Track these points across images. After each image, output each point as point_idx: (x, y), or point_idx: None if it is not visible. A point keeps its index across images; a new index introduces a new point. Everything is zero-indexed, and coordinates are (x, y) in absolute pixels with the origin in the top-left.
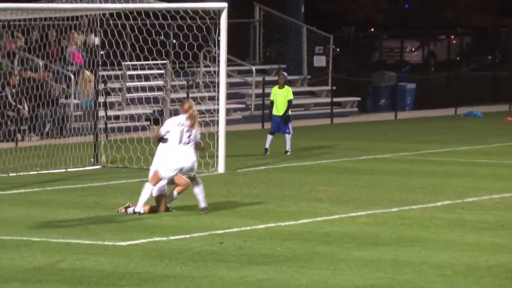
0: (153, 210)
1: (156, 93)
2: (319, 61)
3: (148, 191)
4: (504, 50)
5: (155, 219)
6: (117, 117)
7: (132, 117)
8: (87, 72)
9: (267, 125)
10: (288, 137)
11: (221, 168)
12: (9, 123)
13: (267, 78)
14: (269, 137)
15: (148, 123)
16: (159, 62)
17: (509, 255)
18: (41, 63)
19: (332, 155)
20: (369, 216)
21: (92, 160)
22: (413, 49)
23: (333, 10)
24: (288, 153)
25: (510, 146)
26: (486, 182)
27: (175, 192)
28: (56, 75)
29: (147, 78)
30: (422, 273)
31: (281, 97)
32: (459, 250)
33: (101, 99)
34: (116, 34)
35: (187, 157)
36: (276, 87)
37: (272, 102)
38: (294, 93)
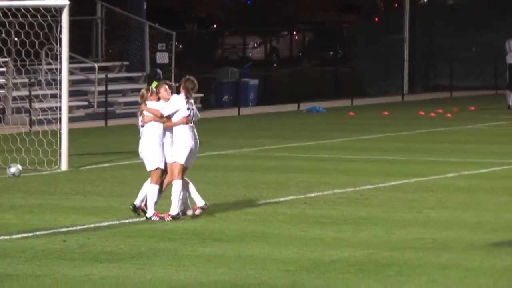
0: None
1: None
2: (162, 58)
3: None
4: (346, 45)
5: None
6: None
7: None
8: None
9: (110, 123)
10: None
11: (64, 166)
12: None
13: (110, 75)
14: None
15: None
16: (0, 60)
17: (352, 250)
18: None
19: None
20: (213, 212)
21: None
22: (255, 45)
23: (176, 7)
24: None
25: (352, 141)
26: (329, 177)
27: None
28: None
29: None
30: (265, 268)
31: None
32: (302, 245)
33: None
34: None
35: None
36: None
37: None
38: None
